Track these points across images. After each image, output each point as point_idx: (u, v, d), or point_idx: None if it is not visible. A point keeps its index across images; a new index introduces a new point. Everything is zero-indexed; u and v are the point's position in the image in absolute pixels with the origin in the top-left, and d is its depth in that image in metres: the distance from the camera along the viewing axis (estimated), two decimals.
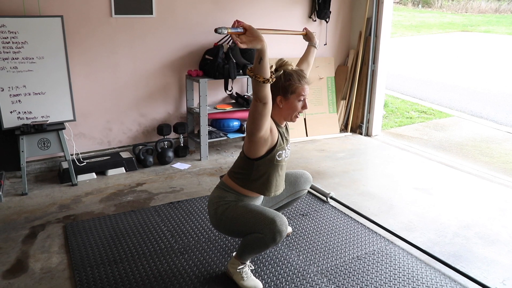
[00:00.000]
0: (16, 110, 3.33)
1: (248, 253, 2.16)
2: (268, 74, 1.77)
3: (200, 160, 4.16)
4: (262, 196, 2.33)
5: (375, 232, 2.78)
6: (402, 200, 3.30)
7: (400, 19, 18.00)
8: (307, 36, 2.53)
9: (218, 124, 4.37)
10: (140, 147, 4.01)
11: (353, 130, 5.15)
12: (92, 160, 3.78)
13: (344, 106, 5.15)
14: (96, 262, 2.44)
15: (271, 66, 2.09)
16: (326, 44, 4.96)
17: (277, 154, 2.11)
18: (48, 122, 3.39)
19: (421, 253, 2.52)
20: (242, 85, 4.60)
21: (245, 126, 4.37)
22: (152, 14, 3.89)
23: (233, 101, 4.42)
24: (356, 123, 5.13)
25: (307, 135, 4.90)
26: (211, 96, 4.36)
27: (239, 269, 2.21)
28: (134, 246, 2.60)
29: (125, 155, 3.92)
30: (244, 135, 4.37)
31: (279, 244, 2.60)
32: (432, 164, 4.15)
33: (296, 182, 2.51)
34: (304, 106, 2.12)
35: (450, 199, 3.34)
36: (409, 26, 16.79)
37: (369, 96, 4.94)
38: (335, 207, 3.14)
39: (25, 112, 3.36)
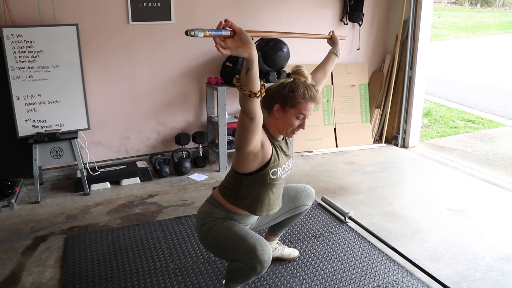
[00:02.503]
0: (31, 118, 3.33)
1: (232, 282, 1.94)
2: (256, 87, 1.53)
3: (219, 171, 3.99)
4: None
5: (393, 260, 2.46)
6: (431, 223, 2.93)
7: (455, 20, 16.99)
8: (332, 40, 2.27)
9: None
10: (158, 156, 3.91)
11: (388, 141, 4.78)
12: (107, 169, 3.72)
13: (378, 115, 4.79)
14: (86, 279, 2.32)
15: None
16: (359, 49, 4.64)
17: (271, 171, 1.88)
18: (61, 130, 3.36)
19: None
20: None
21: None
22: (170, 20, 3.79)
23: None
24: (391, 133, 4.75)
25: (337, 146, 4.60)
26: (232, 104, 4.19)
27: None
28: (129, 263, 2.47)
29: (141, 164, 3.84)
30: None
31: (267, 272, 2.36)
32: (474, 181, 3.71)
33: (297, 197, 2.26)
34: (301, 126, 1.88)
35: (489, 224, 2.93)
36: (464, 28, 15.78)
37: (405, 104, 4.55)
38: (353, 229, 2.84)
39: (39, 120, 3.36)
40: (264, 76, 4.02)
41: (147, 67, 3.85)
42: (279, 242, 2.48)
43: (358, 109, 4.69)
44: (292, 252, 2.49)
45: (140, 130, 3.99)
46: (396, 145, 4.68)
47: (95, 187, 3.56)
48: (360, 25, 4.55)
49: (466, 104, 6.75)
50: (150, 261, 2.50)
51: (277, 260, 2.46)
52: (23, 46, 3.21)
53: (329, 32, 2.26)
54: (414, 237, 2.74)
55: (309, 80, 1.89)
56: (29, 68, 3.26)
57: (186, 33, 1.23)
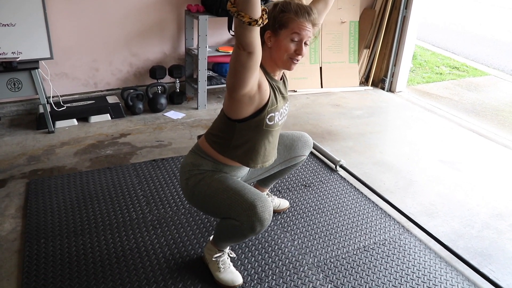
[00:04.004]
0: None
1: (223, 240, 1.74)
2: (257, 13, 1.24)
3: (197, 109, 3.69)
4: None
5: (389, 215, 2.33)
6: (424, 175, 2.81)
7: None
8: None
9: (220, 69, 3.85)
10: (131, 91, 3.54)
11: (374, 84, 4.56)
12: (74, 104, 3.34)
13: (367, 56, 4.52)
14: (53, 233, 2.07)
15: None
16: None
17: (268, 117, 1.61)
18: (19, 59, 2.92)
19: (442, 247, 2.07)
20: None
21: None
22: None
23: None
24: (378, 76, 4.52)
25: (322, 87, 4.34)
26: (214, 36, 3.80)
27: (216, 257, 1.80)
28: (101, 214, 2.22)
29: (111, 100, 3.47)
30: None
31: (267, 228, 2.18)
32: (462, 132, 3.60)
33: (293, 146, 2.03)
34: (298, 51, 1.54)
35: (481, 178, 2.83)
36: None
37: (396, 46, 4.29)
38: (345, 178, 2.67)
39: None
40: None
41: None
42: (269, 193, 2.28)
43: (346, 49, 4.39)
44: (282, 203, 2.31)
45: (110, 61, 3.57)
46: (383, 88, 4.47)
47: (60, 124, 3.20)
48: None
49: (451, 50, 6.56)
50: (124, 210, 2.26)
51: None
52: None
53: None
54: (408, 189, 2.62)
55: (303, 1, 1.58)
56: None
57: None
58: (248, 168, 1.86)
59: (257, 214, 1.53)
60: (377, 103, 4.11)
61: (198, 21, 3.38)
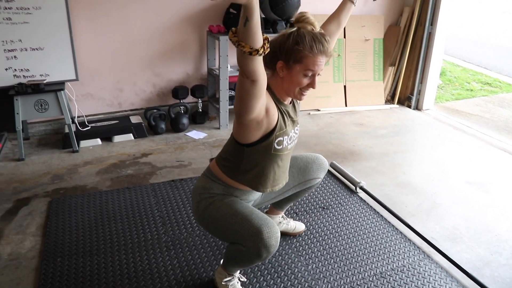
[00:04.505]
0: (11, 67, 3.00)
1: (232, 265, 1.71)
2: (257, 42, 1.22)
3: (219, 128, 3.71)
4: None
5: (409, 239, 2.23)
6: (449, 197, 2.69)
7: None
8: None
9: None
10: (154, 111, 3.60)
11: (400, 102, 4.45)
12: (98, 124, 3.43)
13: (392, 74, 4.44)
14: (69, 251, 2.10)
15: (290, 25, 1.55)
16: None
17: (276, 141, 1.59)
18: (46, 81, 3.04)
19: (465, 276, 1.96)
20: None
21: None
22: None
23: None
24: (404, 94, 4.42)
25: (346, 105, 4.28)
26: (235, 56, 3.83)
27: (225, 281, 1.78)
28: (117, 233, 2.24)
29: (135, 120, 3.54)
30: None
31: (274, 253, 2.14)
32: (493, 151, 3.44)
33: (307, 169, 1.99)
34: (311, 85, 1.55)
35: None
36: None
37: (422, 63, 4.19)
38: (364, 201, 2.60)
39: (22, 69, 3.03)
40: (271, 26, 3.65)
41: (142, 13, 3.46)
42: (285, 215, 2.24)
43: (370, 66, 4.33)
44: (298, 226, 2.26)
45: (134, 82, 3.66)
46: (409, 106, 4.36)
47: (84, 143, 3.29)
48: None
49: (483, 65, 6.35)
50: (140, 231, 2.27)
51: (282, 235, 2.23)
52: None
53: None
54: (430, 212, 2.51)
55: (317, 28, 1.55)
56: (6, 8, 2.88)
57: None
58: (259, 194, 1.84)
59: (263, 240, 1.50)
60: (402, 121, 4.01)
61: (219, 41, 3.43)
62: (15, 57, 2.98)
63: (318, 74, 1.56)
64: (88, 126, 3.35)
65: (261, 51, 1.22)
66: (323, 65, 1.55)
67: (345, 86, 4.28)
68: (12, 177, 2.85)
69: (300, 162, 1.99)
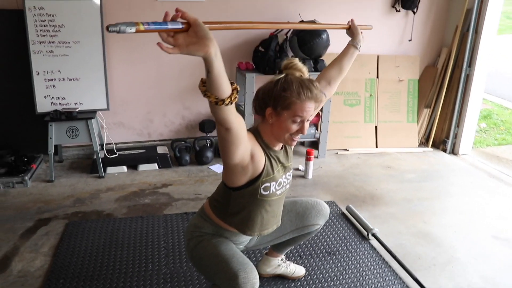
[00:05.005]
0: (50, 95, 3.23)
1: None
2: (223, 92, 1.17)
3: None
4: None
5: None
6: (470, 251, 2.51)
7: None
8: (350, 30, 1.89)
9: None
10: (181, 143, 3.71)
11: (435, 146, 4.27)
12: (126, 152, 3.58)
13: (427, 116, 4.29)
14: (73, 274, 2.18)
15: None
16: (411, 40, 4.13)
17: (262, 187, 1.59)
18: (78, 109, 3.24)
19: None
20: None
21: None
22: None
23: None
24: (440, 137, 4.24)
25: (376, 146, 4.18)
26: None
27: None
28: (120, 261, 2.29)
29: (161, 150, 3.66)
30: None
31: None
32: None
33: (305, 215, 1.94)
34: (300, 131, 1.55)
35: None
36: None
37: (459, 106, 4.02)
38: (375, 249, 2.48)
39: (58, 97, 3.25)
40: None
41: None
42: (284, 258, 2.19)
43: (404, 107, 4.22)
44: (297, 270, 2.20)
45: (164, 113, 3.81)
46: (444, 150, 4.17)
47: (111, 170, 3.44)
48: (414, 13, 4.03)
49: None
50: (143, 260, 2.31)
51: (279, 278, 2.18)
52: (45, 20, 3.09)
53: (348, 22, 1.88)
54: (445, 267, 2.35)
55: (305, 74, 1.56)
56: (50, 42, 3.14)
57: (107, 28, 0.89)
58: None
59: (238, 285, 1.48)
60: (434, 166, 3.83)
61: (245, 78, 3.51)
62: (53, 86, 3.21)
63: (308, 120, 1.56)
64: (116, 154, 3.51)
65: (227, 101, 1.18)
66: (312, 111, 1.55)
67: (376, 127, 4.19)
68: (40, 197, 3.02)
69: (299, 207, 1.96)
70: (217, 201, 1.71)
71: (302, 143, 4.20)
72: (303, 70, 1.55)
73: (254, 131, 1.60)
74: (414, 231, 2.71)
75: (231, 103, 1.20)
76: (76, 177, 3.35)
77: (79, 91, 3.27)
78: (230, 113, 1.24)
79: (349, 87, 4.07)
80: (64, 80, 3.22)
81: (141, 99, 3.70)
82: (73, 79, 3.25)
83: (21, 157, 3.28)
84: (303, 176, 3.49)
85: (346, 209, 2.89)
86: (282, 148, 1.68)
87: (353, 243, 2.53)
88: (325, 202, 2.98)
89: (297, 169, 3.63)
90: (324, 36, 3.52)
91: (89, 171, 3.44)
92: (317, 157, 3.88)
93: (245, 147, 1.43)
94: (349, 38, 1.87)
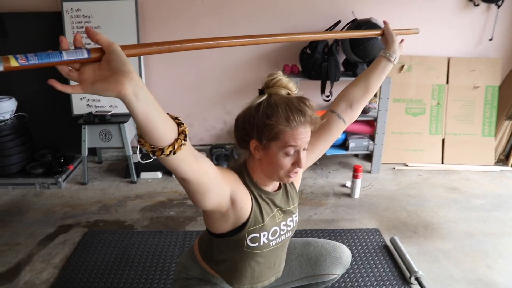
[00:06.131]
0: (85, 97, 3.20)
1: None
2: (160, 141, 0.85)
3: None
4: None
5: None
6: None
7: None
8: (384, 37, 1.50)
9: None
10: (221, 149, 3.50)
11: None
12: None
13: (508, 129, 3.62)
14: None
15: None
16: (492, 39, 3.50)
17: (249, 237, 1.27)
18: (111, 113, 3.16)
19: None
20: None
21: (349, 142, 3.43)
22: None
23: None
24: None
25: (442, 162, 3.62)
26: (311, 97, 3.50)
27: None
28: (124, 282, 2.12)
29: None
30: (347, 152, 3.44)
31: None
32: None
33: (319, 262, 1.59)
34: (297, 163, 1.20)
35: None
36: None
37: None
38: None
39: (94, 100, 3.20)
40: (351, 68, 3.27)
41: (216, 49, 3.41)
42: None
43: (479, 118, 3.60)
44: None
45: (204, 117, 3.62)
46: None
47: (145, 175, 3.33)
48: (499, 6, 3.40)
49: None
50: (149, 282, 2.12)
51: None
52: (81, 21, 3.04)
53: (381, 29, 1.49)
54: None
55: (294, 91, 1.21)
56: (86, 44, 3.06)
57: None
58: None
59: None
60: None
61: None
62: None
63: (305, 149, 1.22)
64: (151, 159, 3.38)
65: (166, 151, 0.86)
66: (308, 137, 1.21)
67: (443, 140, 3.63)
68: (69, 201, 2.98)
69: (312, 252, 1.61)
70: (203, 244, 1.44)
71: (356, 155, 3.77)
72: (290, 87, 1.21)
73: (240, 168, 1.29)
74: (473, 278, 2.21)
75: (174, 154, 0.87)
76: (109, 181, 3.29)
77: None
78: (181, 161, 0.92)
79: (412, 93, 3.55)
80: None
81: (180, 102, 3.55)
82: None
83: (59, 158, 3.28)
84: (349, 195, 3.09)
85: (390, 241, 2.47)
86: (279, 187, 1.36)
87: (390, 286, 2.11)
88: (369, 229, 2.62)
89: (344, 186, 3.23)
90: (379, 37, 3.06)
91: (123, 174, 3.36)
92: (369, 172, 3.45)
93: (219, 194, 1.12)
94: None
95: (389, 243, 2.47)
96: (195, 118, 3.61)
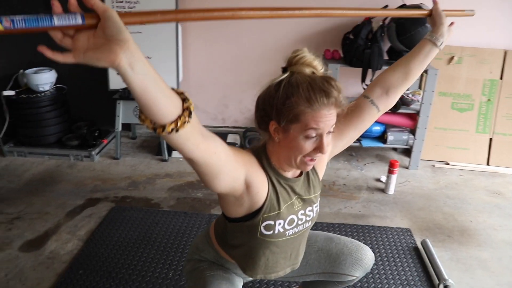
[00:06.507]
0: None
1: None
2: (161, 117, 0.77)
3: None
4: None
5: None
6: None
7: None
8: (432, 18, 1.32)
9: None
10: (252, 133, 3.43)
11: None
12: None
13: None
14: (94, 267, 2.09)
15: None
16: None
17: (263, 225, 1.20)
18: None
19: None
20: None
21: (387, 134, 3.26)
22: None
23: None
24: None
25: (488, 163, 3.38)
26: (351, 85, 3.38)
27: None
28: (143, 262, 2.13)
29: (231, 139, 3.44)
30: (385, 145, 3.28)
31: None
32: None
33: (338, 260, 1.49)
34: (319, 149, 1.10)
35: None
36: None
37: None
38: None
39: None
40: (396, 57, 3.08)
41: (256, 30, 3.32)
42: None
43: None
44: None
45: (240, 99, 3.56)
46: None
47: (176, 154, 3.31)
48: None
49: None
50: (166, 266, 2.11)
51: None
52: None
53: (430, 9, 1.33)
54: None
55: (319, 69, 1.10)
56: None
57: None
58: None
59: None
60: None
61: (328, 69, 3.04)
62: None
63: (329, 132, 1.11)
64: None
65: (168, 129, 0.78)
66: (332, 120, 1.10)
67: (491, 140, 3.38)
68: (100, 174, 3.03)
69: (334, 248, 1.51)
70: (219, 226, 1.39)
71: (394, 149, 3.60)
72: (315, 65, 1.10)
73: (259, 151, 1.21)
74: None
75: (177, 131, 0.80)
76: (141, 157, 3.31)
77: None
78: (186, 140, 0.84)
79: (460, 87, 3.32)
80: None
81: (217, 82, 3.50)
82: (146, 58, 3.14)
83: (93, 131, 3.33)
84: (383, 190, 2.95)
85: (421, 243, 2.33)
86: (300, 174, 1.28)
87: None
88: (400, 228, 2.48)
89: (378, 180, 3.09)
90: (429, 25, 2.85)
91: (155, 152, 3.37)
92: (407, 168, 3.28)
93: (231, 178, 1.05)
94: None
95: (419, 246, 2.33)
96: (231, 99, 3.55)
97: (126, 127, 3.58)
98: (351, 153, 3.53)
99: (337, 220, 2.57)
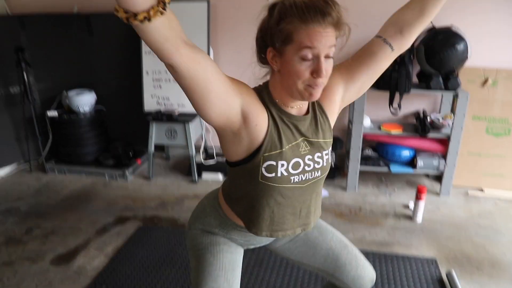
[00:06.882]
0: (156, 94, 3.35)
1: None
2: (135, 3, 0.79)
3: (345, 190, 3.28)
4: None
5: None
6: None
7: None
8: None
9: (382, 150, 3.33)
10: None
11: None
12: (224, 158, 3.50)
13: None
14: (116, 283, 2.17)
15: None
16: None
17: (264, 165, 1.13)
18: (179, 111, 3.27)
19: None
20: (429, 102, 3.35)
21: (417, 159, 3.19)
22: None
23: (413, 122, 3.28)
24: None
25: None
26: (380, 110, 3.34)
27: None
28: (162, 284, 2.19)
29: None
30: (414, 171, 3.20)
31: None
32: None
33: (342, 268, 1.43)
34: (316, 72, 1.04)
35: None
36: None
37: None
38: None
39: (163, 97, 3.35)
40: (426, 80, 3.03)
41: None
42: None
43: None
44: None
45: None
46: None
47: (206, 175, 3.41)
48: None
49: None
50: (185, 286, 2.16)
51: None
52: None
53: None
54: None
55: None
56: None
57: None
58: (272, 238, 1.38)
59: None
60: None
61: None
62: (160, 86, 3.32)
63: (328, 57, 1.05)
64: (213, 159, 3.46)
65: (140, 17, 0.79)
66: (330, 41, 1.03)
67: None
68: (132, 194, 3.16)
69: (344, 255, 1.44)
70: (225, 182, 1.34)
71: (426, 175, 3.50)
72: None
73: (260, 87, 1.18)
74: None
75: (149, 20, 0.80)
76: (172, 178, 3.42)
77: (182, 92, 3.29)
78: (163, 39, 0.85)
79: (495, 111, 3.20)
80: (169, 81, 3.29)
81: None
82: None
83: (128, 151, 3.48)
84: (410, 217, 2.87)
85: (447, 275, 2.24)
86: (307, 112, 1.21)
87: None
88: (425, 258, 2.41)
89: (406, 207, 3.02)
90: (459, 47, 2.80)
91: (186, 172, 3.48)
92: (438, 195, 3.18)
93: (225, 103, 1.02)
94: None
95: (445, 277, 2.25)
96: None
97: (161, 148, 3.72)
98: (381, 177, 3.47)
99: (360, 246, 2.52)
